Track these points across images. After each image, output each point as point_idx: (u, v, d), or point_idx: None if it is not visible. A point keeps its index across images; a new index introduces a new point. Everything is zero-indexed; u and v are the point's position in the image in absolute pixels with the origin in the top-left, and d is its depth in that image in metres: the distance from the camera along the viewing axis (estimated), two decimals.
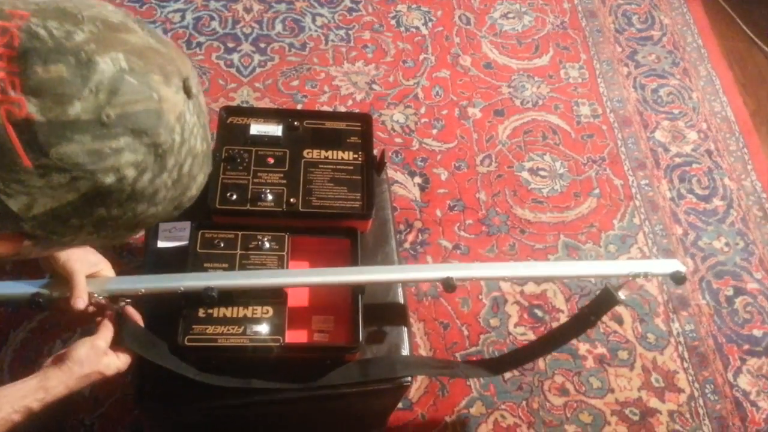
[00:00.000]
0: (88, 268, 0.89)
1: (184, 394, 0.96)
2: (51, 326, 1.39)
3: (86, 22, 0.49)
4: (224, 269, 0.98)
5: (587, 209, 1.70)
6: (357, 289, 0.98)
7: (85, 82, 0.48)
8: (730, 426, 1.43)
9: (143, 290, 0.90)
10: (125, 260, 1.48)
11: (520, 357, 1.26)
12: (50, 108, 0.47)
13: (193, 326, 0.93)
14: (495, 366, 1.22)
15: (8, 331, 1.38)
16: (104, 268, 0.93)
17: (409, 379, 1.02)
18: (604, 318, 1.53)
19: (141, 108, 0.50)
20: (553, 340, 1.19)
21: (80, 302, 0.86)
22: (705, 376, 1.49)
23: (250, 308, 0.95)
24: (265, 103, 1.76)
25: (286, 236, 1.02)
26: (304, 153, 1.10)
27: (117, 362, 0.88)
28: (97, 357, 0.85)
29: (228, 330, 0.93)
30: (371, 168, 1.10)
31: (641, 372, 1.48)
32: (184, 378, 0.93)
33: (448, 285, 0.97)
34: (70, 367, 0.83)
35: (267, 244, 1.01)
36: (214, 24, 1.91)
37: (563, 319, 1.52)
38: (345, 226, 1.05)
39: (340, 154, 1.10)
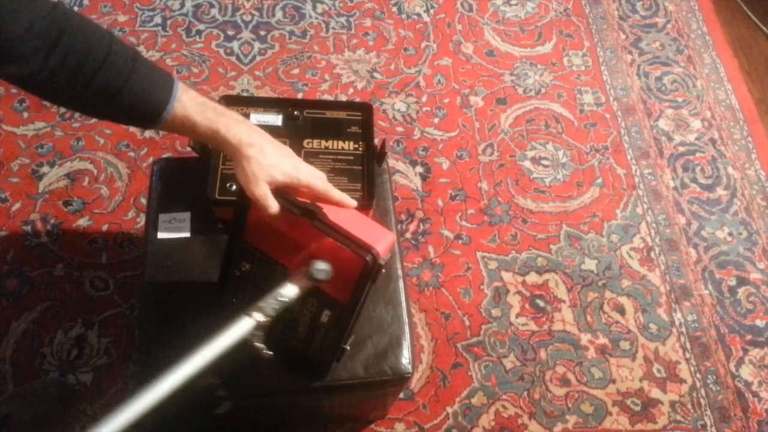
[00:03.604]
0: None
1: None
2: (52, 317, 1.39)
3: None
4: None
5: (590, 199, 1.69)
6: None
7: None
8: (731, 416, 1.43)
9: None
10: (126, 250, 1.48)
11: None
12: None
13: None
14: None
15: (9, 322, 1.38)
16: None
17: (410, 369, 1.02)
18: (606, 308, 1.53)
19: None
20: None
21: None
22: (707, 367, 1.49)
23: None
24: (266, 92, 1.75)
25: None
26: (305, 143, 1.09)
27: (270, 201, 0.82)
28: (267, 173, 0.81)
29: None
30: (372, 158, 1.09)
31: (643, 362, 1.48)
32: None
33: None
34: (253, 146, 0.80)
35: None
36: (214, 11, 1.90)
37: (565, 309, 1.52)
38: None
39: (341, 143, 1.10)
